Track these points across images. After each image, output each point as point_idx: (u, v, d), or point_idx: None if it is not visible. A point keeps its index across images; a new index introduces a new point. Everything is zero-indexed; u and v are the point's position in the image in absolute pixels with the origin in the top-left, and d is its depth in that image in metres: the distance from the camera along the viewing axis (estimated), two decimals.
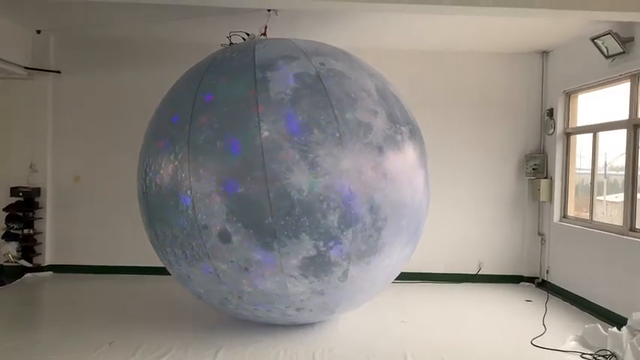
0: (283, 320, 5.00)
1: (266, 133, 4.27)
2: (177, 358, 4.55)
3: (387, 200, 4.50)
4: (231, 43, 5.53)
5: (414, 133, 4.99)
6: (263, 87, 4.43)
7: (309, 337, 5.09)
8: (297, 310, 4.75)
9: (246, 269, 4.42)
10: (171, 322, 5.46)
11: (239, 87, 4.50)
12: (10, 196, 7.26)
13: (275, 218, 4.23)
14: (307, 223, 4.25)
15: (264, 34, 5.69)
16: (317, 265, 4.40)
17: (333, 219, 4.29)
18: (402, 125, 4.80)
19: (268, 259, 4.34)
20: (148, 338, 4.95)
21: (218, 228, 4.33)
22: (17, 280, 7.12)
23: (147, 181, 4.79)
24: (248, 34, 5.64)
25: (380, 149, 4.50)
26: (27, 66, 7.30)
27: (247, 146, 4.26)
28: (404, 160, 4.71)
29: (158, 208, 4.68)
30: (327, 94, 4.47)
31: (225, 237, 4.33)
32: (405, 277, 7.09)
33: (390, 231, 4.58)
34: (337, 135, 4.35)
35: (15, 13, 6.57)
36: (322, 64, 4.69)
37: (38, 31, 7.30)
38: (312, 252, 4.33)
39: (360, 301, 5.12)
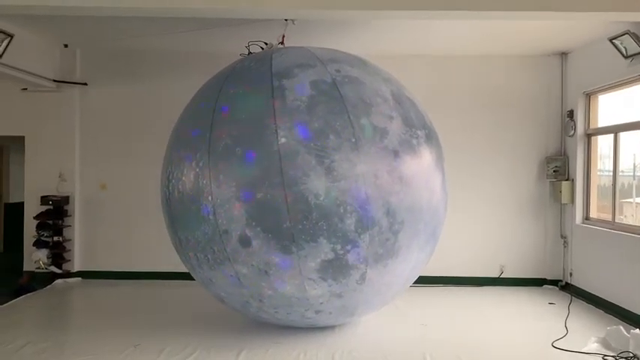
0: (303, 323, 5.09)
1: (283, 140, 4.39)
2: (201, 359, 4.68)
3: (403, 204, 4.56)
4: (249, 53, 5.68)
5: (431, 137, 5.05)
6: (280, 94, 4.55)
7: (328, 340, 5.17)
8: (317, 312, 4.84)
9: (266, 272, 4.53)
10: (194, 325, 5.60)
11: (257, 95, 4.64)
12: (41, 204, 7.52)
13: (293, 223, 4.33)
14: (325, 227, 4.34)
15: (282, 42, 5.81)
16: (335, 268, 4.49)
17: (350, 223, 4.38)
18: (417, 129, 4.87)
19: (287, 263, 4.45)
20: (172, 340, 5.09)
21: (238, 233, 4.45)
22: (48, 286, 7.35)
23: (169, 188, 4.95)
24: (266, 44, 5.77)
25: (396, 153, 4.57)
26: (55, 79, 7.57)
27: (264, 153, 4.39)
28: (420, 164, 4.77)
29: (180, 214, 4.83)
30: (342, 100, 4.56)
31: (245, 241, 4.45)
32: (426, 280, 7.13)
33: (406, 234, 4.64)
34: (353, 140, 4.43)
35: (43, 28, 6.83)
36: (338, 70, 4.79)
37: (65, 45, 7.60)
38: (330, 255, 4.42)
39: (378, 303, 5.17)
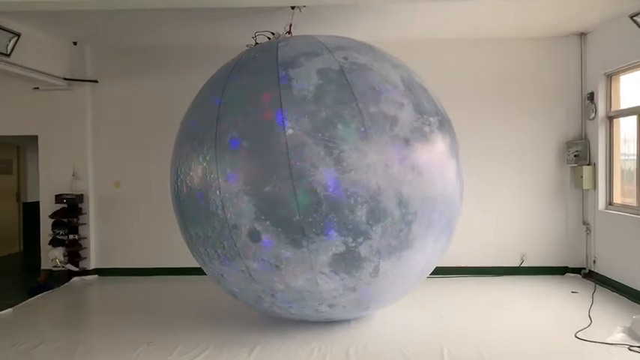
0: (317, 317, 4.99)
1: (290, 131, 4.27)
2: (214, 355, 4.61)
3: (417, 193, 4.42)
4: (256, 43, 5.56)
5: (444, 124, 4.88)
6: (286, 85, 4.43)
7: (343, 334, 5.07)
8: (330, 306, 4.73)
9: (277, 267, 4.43)
10: (208, 320, 5.55)
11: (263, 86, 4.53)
12: (55, 203, 7.54)
13: (302, 215, 4.22)
14: (335, 220, 4.23)
15: (290, 32, 5.68)
16: (347, 261, 4.37)
17: (361, 214, 4.25)
18: (430, 116, 4.71)
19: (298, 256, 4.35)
20: (185, 337, 5.05)
21: (247, 227, 4.36)
22: (65, 284, 7.38)
23: (178, 183, 4.88)
24: (273, 34, 5.65)
25: (407, 142, 4.43)
26: (65, 77, 7.55)
27: (272, 145, 4.29)
28: (433, 152, 4.62)
29: (189, 209, 4.76)
30: (350, 88, 4.43)
31: (254, 236, 4.36)
32: (444, 271, 7.00)
33: (420, 225, 4.50)
34: (362, 129, 4.30)
35: (51, 27, 6.81)
36: (345, 58, 4.65)
37: (75, 43, 7.57)
38: (342, 248, 4.30)
39: (394, 296, 5.05)
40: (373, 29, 6.85)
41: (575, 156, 7.28)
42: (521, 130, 7.53)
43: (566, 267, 7.46)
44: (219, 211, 4.44)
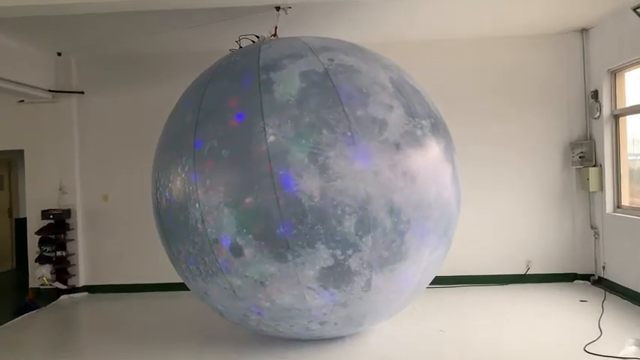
0: (308, 335, 4.69)
1: (272, 138, 4.01)
2: None
3: (409, 201, 4.14)
4: (240, 47, 5.32)
5: (437, 127, 4.60)
6: (267, 89, 4.17)
7: (337, 352, 4.76)
8: (321, 324, 4.44)
9: (262, 283, 4.15)
10: (198, 338, 5.29)
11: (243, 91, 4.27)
12: (42, 219, 7.28)
13: (286, 228, 3.94)
14: (322, 231, 3.95)
15: (275, 34, 5.44)
16: (336, 276, 4.09)
17: (349, 225, 3.97)
18: (422, 119, 4.44)
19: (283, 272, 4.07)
20: (174, 356, 4.81)
21: (229, 241, 4.09)
22: (53, 303, 7.11)
23: (157, 196, 4.63)
24: (258, 37, 5.41)
25: (397, 146, 4.15)
26: (51, 89, 7.33)
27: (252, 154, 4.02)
28: (426, 157, 4.34)
29: (169, 223, 4.50)
30: (336, 91, 4.16)
31: (236, 250, 4.08)
32: (445, 281, 6.70)
33: (414, 234, 4.21)
34: (349, 134, 4.03)
35: (35, 37, 6.61)
36: (331, 59, 4.39)
37: (59, 54, 7.36)
38: (330, 261, 4.02)
39: (389, 311, 4.74)
40: (365, 30, 6.59)
41: (580, 157, 6.96)
42: (523, 132, 7.23)
43: (575, 274, 7.12)
44: (199, 225, 4.18)
